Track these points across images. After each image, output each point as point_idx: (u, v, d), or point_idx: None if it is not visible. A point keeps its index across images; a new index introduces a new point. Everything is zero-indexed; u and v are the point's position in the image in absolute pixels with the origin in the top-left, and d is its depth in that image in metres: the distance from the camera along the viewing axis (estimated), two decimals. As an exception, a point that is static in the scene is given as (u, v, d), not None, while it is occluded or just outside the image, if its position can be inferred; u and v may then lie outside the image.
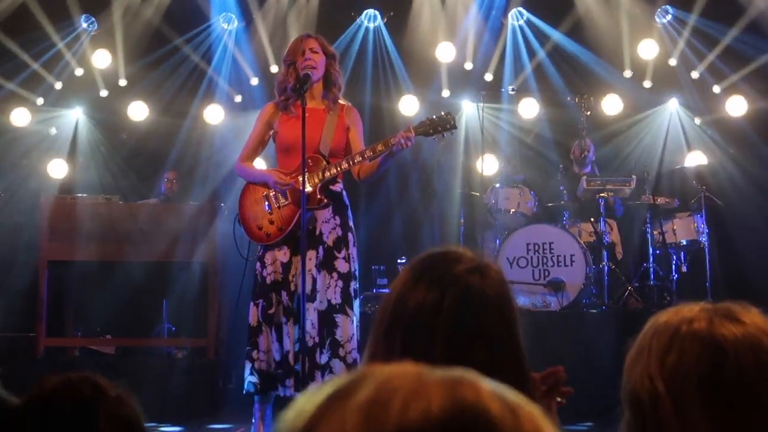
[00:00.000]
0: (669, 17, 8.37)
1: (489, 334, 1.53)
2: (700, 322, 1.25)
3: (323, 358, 4.28)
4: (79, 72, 8.68)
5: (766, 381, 1.21)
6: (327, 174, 4.45)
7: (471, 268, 1.56)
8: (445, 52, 8.45)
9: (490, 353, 1.51)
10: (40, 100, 8.61)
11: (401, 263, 7.12)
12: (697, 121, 8.47)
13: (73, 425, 1.48)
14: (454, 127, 4.56)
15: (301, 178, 4.28)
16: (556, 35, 8.44)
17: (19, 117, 8.46)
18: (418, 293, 1.54)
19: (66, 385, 1.54)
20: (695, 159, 7.92)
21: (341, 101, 4.69)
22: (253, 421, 4.50)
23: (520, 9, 8.48)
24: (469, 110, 8.26)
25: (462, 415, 0.69)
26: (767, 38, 7.92)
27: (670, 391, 1.22)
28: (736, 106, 8.17)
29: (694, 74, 8.44)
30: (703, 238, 6.89)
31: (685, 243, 6.97)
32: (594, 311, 6.58)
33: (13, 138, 8.50)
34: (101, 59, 8.59)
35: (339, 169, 4.47)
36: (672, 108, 8.55)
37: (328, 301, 4.35)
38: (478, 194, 7.39)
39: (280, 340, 4.37)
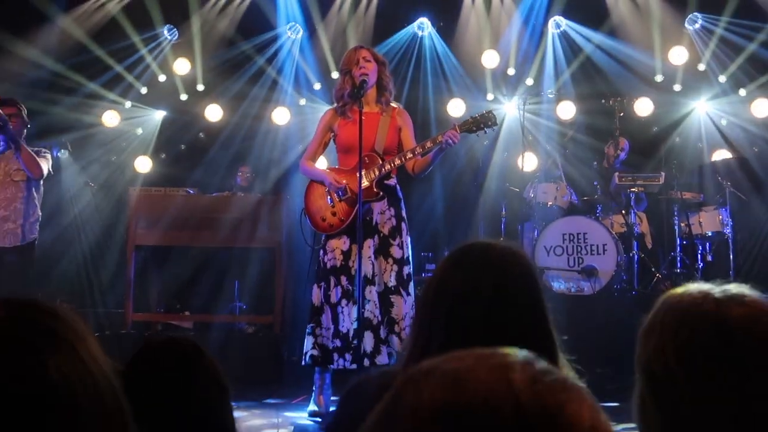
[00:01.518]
0: (698, 24, 8.24)
1: (521, 314, 1.58)
2: (709, 304, 1.27)
3: (382, 334, 4.35)
4: (162, 78, 8.85)
5: None
6: (382, 170, 4.50)
7: (503, 255, 1.62)
8: (489, 59, 8.43)
9: (522, 330, 1.57)
10: (128, 104, 8.80)
11: (446, 252, 7.15)
12: (724, 122, 8.33)
13: (176, 375, 1.60)
14: (495, 124, 4.59)
15: (358, 175, 4.35)
16: (592, 42, 8.37)
17: (110, 118, 8.65)
18: (458, 279, 1.61)
19: (171, 342, 1.65)
20: (721, 156, 7.80)
21: (393, 104, 4.75)
22: (314, 389, 4.60)
23: (559, 18, 8.42)
24: (511, 112, 8.24)
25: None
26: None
27: (684, 366, 1.24)
28: (761, 108, 8.02)
29: (722, 78, 8.30)
30: (728, 230, 6.81)
31: (710, 234, 6.90)
32: (625, 296, 6.54)
33: (104, 137, 8.70)
34: (181, 66, 8.74)
35: (393, 165, 4.53)
36: (700, 110, 8.43)
37: (385, 284, 4.44)
38: (518, 189, 7.39)
39: (335, 318, 4.44)
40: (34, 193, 5.73)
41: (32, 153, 5.58)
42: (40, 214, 5.81)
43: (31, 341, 0.85)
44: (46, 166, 5.69)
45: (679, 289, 1.33)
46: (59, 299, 7.50)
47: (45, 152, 5.81)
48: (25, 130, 5.80)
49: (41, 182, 5.77)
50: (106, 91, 8.60)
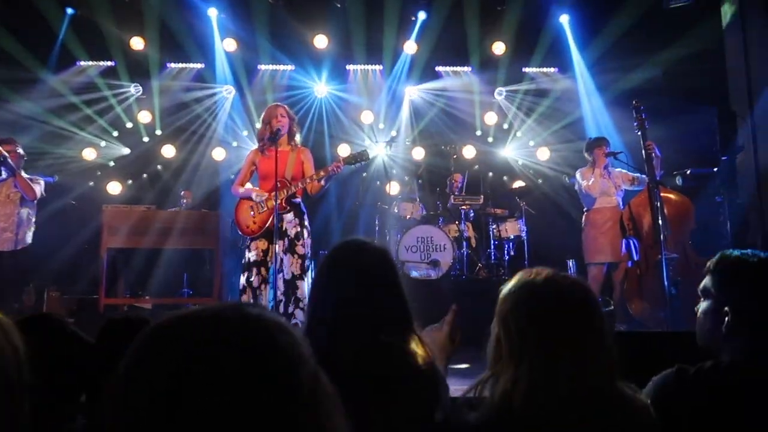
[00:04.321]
0: (503, 96, 8.58)
1: (382, 291, 1.59)
2: (550, 280, 1.31)
3: (290, 309, 4.25)
4: (129, 125, 8.42)
5: (592, 311, 1.28)
6: (289, 191, 4.44)
7: (371, 250, 1.64)
8: (366, 116, 8.50)
9: (384, 302, 1.57)
10: (102, 143, 8.32)
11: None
12: (520, 162, 8.70)
13: (131, 342, 1.47)
14: (368, 158, 4.59)
15: (274, 194, 4.27)
16: (436, 106, 8.56)
17: (88, 153, 8.16)
18: (339, 270, 1.61)
19: (127, 320, 1.54)
20: (518, 185, 8.13)
21: (299, 146, 4.68)
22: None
23: (412, 88, 8.56)
24: (381, 153, 8.32)
25: None
26: (558, 115, 8.24)
27: (533, 323, 1.27)
28: (543, 154, 8.44)
29: (519, 133, 8.68)
30: (524, 234, 7.05)
31: (512, 237, 7.09)
32: (458, 279, 6.69)
33: (84, 168, 8.20)
34: (144, 116, 8.36)
35: (298, 187, 4.47)
36: (505, 153, 8.78)
37: (292, 273, 4.33)
38: (386, 206, 7.45)
39: (255, 298, 4.32)
40: (29, 210, 5.32)
41: (27, 180, 5.19)
42: (34, 226, 5.39)
43: None
44: (38, 189, 5.31)
45: (530, 271, 1.36)
46: (47, 288, 6.99)
47: (38, 179, 5.41)
48: (22, 162, 5.37)
49: (35, 202, 5.36)
50: (85, 133, 8.11)
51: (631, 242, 5.13)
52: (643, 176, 5.28)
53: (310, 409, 0.57)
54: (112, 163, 8.52)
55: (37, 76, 7.54)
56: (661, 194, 4.85)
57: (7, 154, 5.05)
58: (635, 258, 5.05)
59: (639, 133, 4.86)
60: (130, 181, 8.54)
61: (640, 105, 4.90)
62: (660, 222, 4.62)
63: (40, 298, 6.91)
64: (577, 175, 5.53)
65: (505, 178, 8.60)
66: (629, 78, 7.49)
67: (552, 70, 8.38)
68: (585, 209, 5.49)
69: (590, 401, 1.21)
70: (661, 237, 4.53)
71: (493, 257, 7.09)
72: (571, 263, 7.10)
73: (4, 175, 5.22)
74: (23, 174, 5.25)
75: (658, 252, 4.61)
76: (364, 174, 7.88)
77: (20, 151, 5.36)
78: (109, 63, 7.99)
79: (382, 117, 8.63)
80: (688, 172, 6.39)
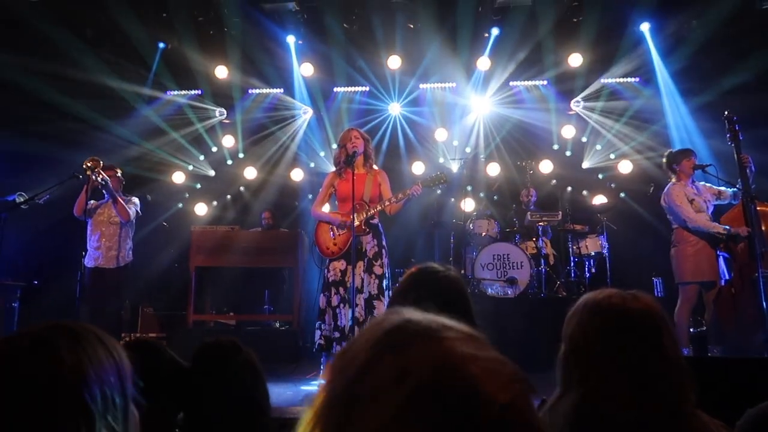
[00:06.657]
0: (580, 107, 8.37)
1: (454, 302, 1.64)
2: (616, 299, 1.31)
3: None
4: (214, 149, 8.85)
5: (658, 332, 1.27)
6: (368, 213, 4.52)
7: (444, 278, 1.69)
8: (440, 134, 8.52)
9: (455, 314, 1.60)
10: (190, 167, 8.78)
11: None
12: (600, 176, 8.45)
13: (221, 367, 1.55)
14: (446, 182, 4.62)
15: (351, 217, 4.36)
16: (510, 121, 8.45)
17: (177, 177, 8.63)
18: (411, 293, 1.68)
19: (218, 343, 1.62)
20: (599, 200, 7.89)
21: (375, 167, 4.77)
22: (321, 368, 4.56)
23: (487, 104, 8.49)
24: (455, 170, 8.30)
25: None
26: (641, 126, 7.95)
27: (599, 339, 1.27)
28: (625, 167, 8.15)
29: (598, 147, 8.43)
30: (605, 251, 6.86)
31: (593, 254, 6.92)
32: (536, 298, 6.56)
33: (173, 190, 8.67)
34: (228, 140, 8.76)
35: (376, 209, 4.54)
36: (584, 166, 8.55)
37: (370, 292, 4.40)
38: (462, 223, 7.42)
39: (335, 317, 4.42)
40: (129, 230, 5.74)
41: (124, 204, 5.60)
42: (131, 244, 5.80)
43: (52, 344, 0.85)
44: (133, 211, 5.73)
45: (598, 291, 1.36)
46: (141, 304, 7.43)
47: (135, 201, 5.83)
48: (121, 186, 5.81)
49: (132, 221, 5.77)
50: (174, 158, 8.60)
51: (723, 259, 4.85)
52: (730, 190, 4.98)
53: None
54: (198, 186, 8.97)
55: (132, 106, 8.10)
56: (758, 208, 4.57)
57: (108, 179, 5.46)
58: (726, 276, 4.77)
59: (732, 144, 4.62)
60: (215, 203, 8.95)
61: (733, 116, 4.65)
62: (756, 238, 4.35)
63: (134, 314, 7.36)
64: (673, 198, 5.02)
65: (584, 192, 8.35)
66: (718, 84, 7.14)
67: (633, 80, 8.10)
68: (675, 225, 5.19)
69: (657, 421, 1.19)
70: (758, 254, 4.26)
71: (572, 275, 6.92)
72: (657, 282, 6.81)
73: (106, 198, 5.66)
74: (121, 197, 5.66)
75: (754, 270, 4.34)
76: (439, 191, 7.89)
77: (120, 176, 5.80)
78: (195, 92, 8.46)
79: (456, 134, 8.62)
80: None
